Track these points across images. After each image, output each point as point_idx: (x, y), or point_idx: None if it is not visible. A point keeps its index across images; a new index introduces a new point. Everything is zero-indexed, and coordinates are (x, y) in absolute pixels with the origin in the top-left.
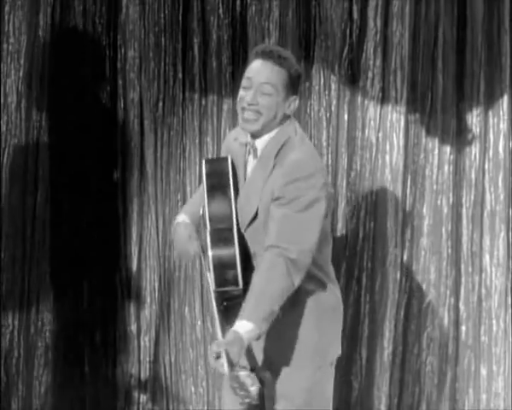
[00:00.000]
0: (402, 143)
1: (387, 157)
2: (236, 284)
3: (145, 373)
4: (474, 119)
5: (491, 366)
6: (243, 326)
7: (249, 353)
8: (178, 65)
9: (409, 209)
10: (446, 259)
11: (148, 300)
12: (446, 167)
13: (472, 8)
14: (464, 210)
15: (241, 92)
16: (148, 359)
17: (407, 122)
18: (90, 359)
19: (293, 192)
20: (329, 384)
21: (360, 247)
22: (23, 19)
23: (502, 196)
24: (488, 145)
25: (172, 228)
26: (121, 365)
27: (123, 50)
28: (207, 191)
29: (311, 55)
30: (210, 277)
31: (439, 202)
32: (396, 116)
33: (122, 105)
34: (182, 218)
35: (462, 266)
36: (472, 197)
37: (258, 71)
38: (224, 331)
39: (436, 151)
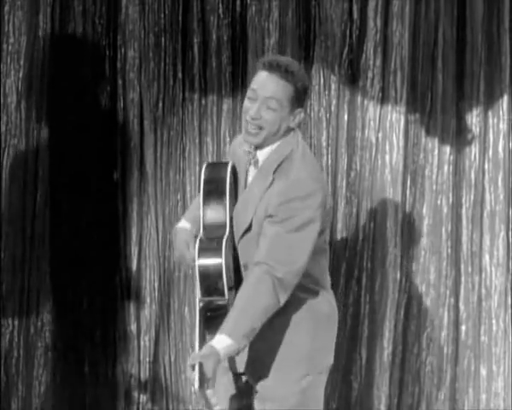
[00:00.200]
0: (402, 143)
1: (387, 157)
2: (222, 294)
3: (145, 373)
4: (473, 119)
5: (490, 365)
6: (222, 341)
7: (239, 357)
8: (178, 65)
9: (408, 209)
10: (446, 259)
11: (148, 300)
12: (446, 167)
13: (472, 7)
14: (464, 210)
15: (246, 103)
16: (147, 359)
17: (407, 122)
18: (90, 359)
19: (287, 212)
20: (318, 392)
21: (360, 247)
22: (23, 19)
23: (501, 196)
24: (488, 145)
25: (173, 234)
26: (121, 365)
27: (123, 50)
28: (203, 198)
29: (311, 56)
30: (197, 285)
31: (438, 202)
32: (396, 116)
33: (122, 105)
34: (182, 224)
35: (462, 266)
36: (472, 197)
37: (264, 84)
38: (202, 343)
39: (436, 151)
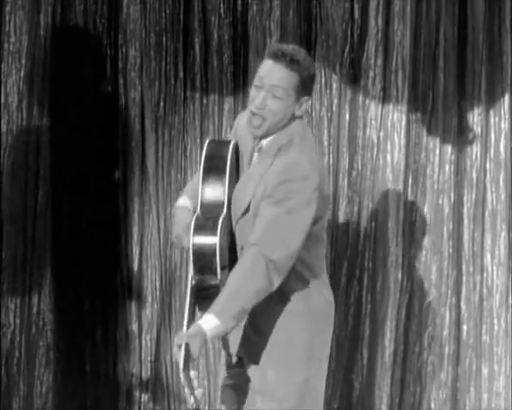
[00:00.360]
0: (403, 142)
1: (389, 157)
2: (215, 273)
3: (146, 373)
4: (475, 118)
5: (492, 365)
6: (209, 321)
7: (232, 338)
8: (179, 64)
9: (410, 209)
10: (447, 258)
11: (150, 299)
12: (447, 167)
13: (473, 7)
14: (465, 210)
15: (253, 92)
16: (149, 358)
17: (408, 121)
18: (91, 358)
19: (283, 193)
20: (319, 385)
21: (361, 246)
22: (24, 18)
23: (503, 196)
24: (489, 144)
25: (173, 210)
26: (122, 364)
27: (124, 50)
28: (203, 174)
29: (313, 55)
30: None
31: (440, 201)
32: (397, 115)
33: (123, 104)
34: (183, 201)
35: (464, 266)
36: (473, 197)
37: (270, 72)
38: (190, 323)
39: (437, 151)
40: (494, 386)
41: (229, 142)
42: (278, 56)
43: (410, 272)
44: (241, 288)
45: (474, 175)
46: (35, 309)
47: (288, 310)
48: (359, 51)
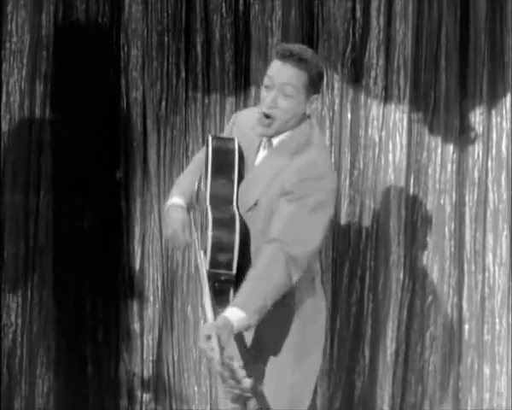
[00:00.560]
0: (405, 142)
1: (390, 156)
2: (230, 268)
3: (148, 372)
4: (477, 117)
5: (494, 365)
6: (235, 313)
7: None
8: (181, 64)
9: (411, 208)
10: (449, 258)
11: (151, 299)
12: (449, 166)
13: (475, 7)
14: (467, 209)
15: (263, 92)
16: (151, 358)
17: (410, 121)
18: (93, 358)
19: (303, 190)
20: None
21: (363, 246)
22: (26, 18)
23: (505, 195)
24: (491, 144)
25: (165, 209)
26: (124, 364)
27: (126, 49)
28: (212, 169)
29: None
30: (204, 256)
31: (441, 200)
32: (399, 115)
33: (125, 104)
34: (176, 200)
35: (465, 266)
36: (475, 196)
37: (279, 72)
38: (215, 314)
39: (439, 150)
40: (496, 386)
41: (233, 139)
42: (286, 56)
43: (411, 272)
44: (263, 283)
45: (476, 175)
46: (37, 309)
47: (283, 311)
48: (361, 51)
